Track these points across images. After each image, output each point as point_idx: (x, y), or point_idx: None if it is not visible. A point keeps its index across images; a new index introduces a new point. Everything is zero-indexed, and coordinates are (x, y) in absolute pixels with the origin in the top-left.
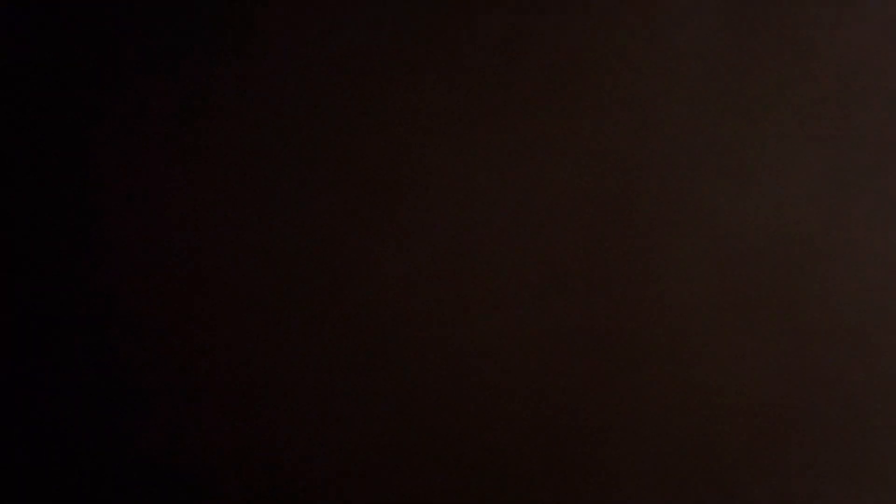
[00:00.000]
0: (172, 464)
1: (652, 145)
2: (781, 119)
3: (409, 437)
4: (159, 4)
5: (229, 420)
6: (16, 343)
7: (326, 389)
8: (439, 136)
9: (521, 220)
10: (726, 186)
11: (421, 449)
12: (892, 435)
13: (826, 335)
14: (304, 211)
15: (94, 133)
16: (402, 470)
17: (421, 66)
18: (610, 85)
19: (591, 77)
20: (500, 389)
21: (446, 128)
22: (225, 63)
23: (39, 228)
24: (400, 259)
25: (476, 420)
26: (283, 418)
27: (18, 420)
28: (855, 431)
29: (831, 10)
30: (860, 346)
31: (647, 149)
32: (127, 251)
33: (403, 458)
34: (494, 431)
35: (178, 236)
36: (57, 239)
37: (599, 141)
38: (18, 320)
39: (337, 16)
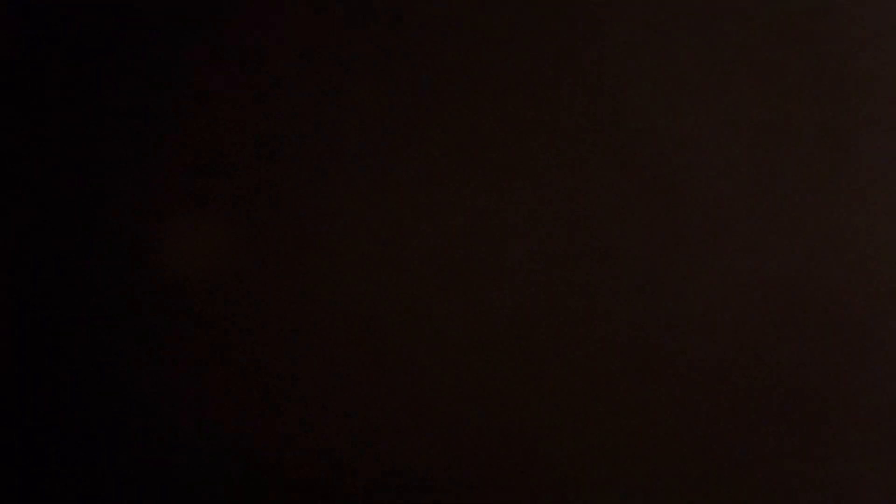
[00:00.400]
0: (176, 463)
1: (658, 149)
2: (793, 122)
3: (409, 435)
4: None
5: (235, 417)
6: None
7: (327, 385)
8: (443, 138)
9: (527, 225)
10: (730, 189)
11: (423, 445)
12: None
13: (826, 334)
14: (306, 210)
15: (95, 134)
16: (401, 465)
17: (421, 68)
18: (616, 89)
19: (596, 79)
20: (497, 388)
21: (451, 130)
22: (221, 64)
23: (44, 228)
24: (400, 257)
25: (475, 417)
26: (283, 415)
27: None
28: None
29: (846, 12)
30: (860, 347)
31: (653, 153)
32: (131, 250)
33: (401, 454)
34: (494, 428)
35: (181, 235)
36: (63, 239)
37: (605, 144)
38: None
39: (335, 17)
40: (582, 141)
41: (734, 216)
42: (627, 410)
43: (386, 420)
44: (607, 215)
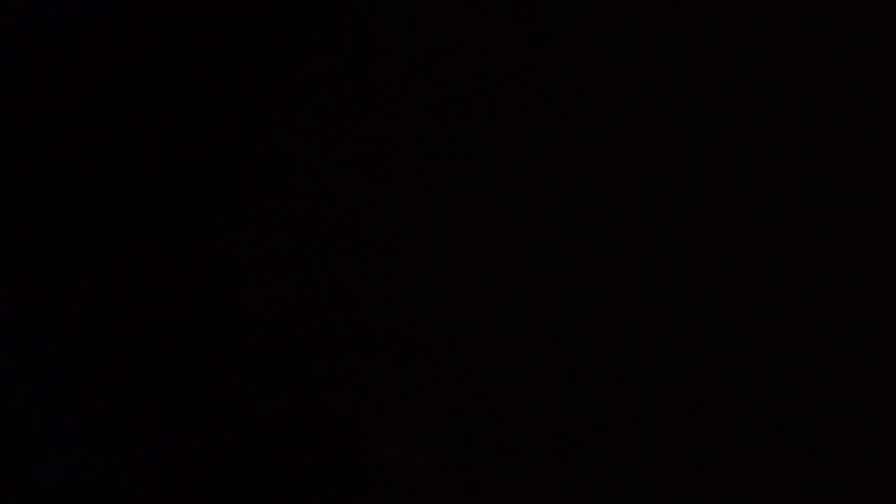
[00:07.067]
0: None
1: (659, 150)
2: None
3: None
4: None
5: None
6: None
7: (326, 383)
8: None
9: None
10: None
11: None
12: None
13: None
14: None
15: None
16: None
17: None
18: (618, 87)
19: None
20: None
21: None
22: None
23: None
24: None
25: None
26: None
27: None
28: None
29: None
30: (860, 349)
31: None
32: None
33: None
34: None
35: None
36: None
37: (607, 142)
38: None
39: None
40: (584, 139)
41: (735, 215)
42: (625, 413)
43: (386, 417)
44: (607, 213)
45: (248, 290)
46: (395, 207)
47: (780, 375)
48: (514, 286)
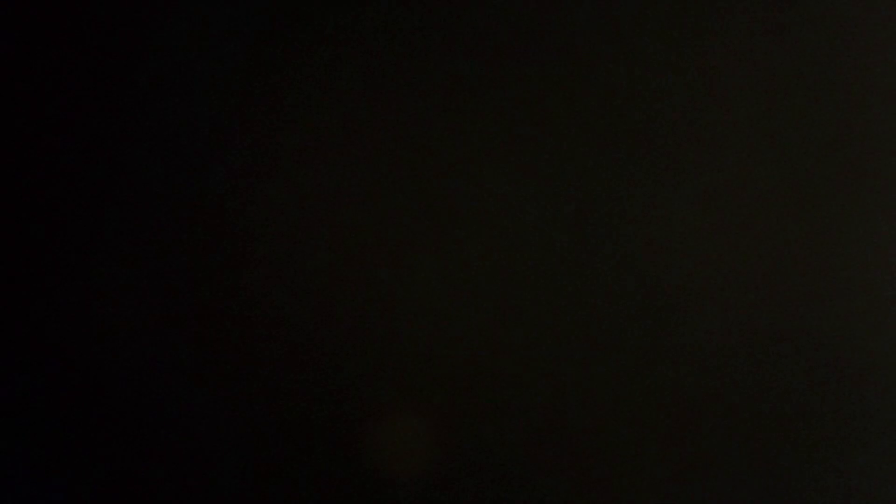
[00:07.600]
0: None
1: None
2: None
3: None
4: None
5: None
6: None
7: (336, 389)
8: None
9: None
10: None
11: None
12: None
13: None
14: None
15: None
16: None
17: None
18: (622, 89)
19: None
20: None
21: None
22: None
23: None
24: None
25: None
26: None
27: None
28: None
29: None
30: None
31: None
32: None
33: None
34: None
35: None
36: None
37: (610, 144)
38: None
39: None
40: (586, 140)
41: (739, 216)
42: (626, 416)
43: (389, 419)
44: (608, 215)
45: (247, 292)
46: (393, 209)
47: (781, 378)
48: (513, 287)
